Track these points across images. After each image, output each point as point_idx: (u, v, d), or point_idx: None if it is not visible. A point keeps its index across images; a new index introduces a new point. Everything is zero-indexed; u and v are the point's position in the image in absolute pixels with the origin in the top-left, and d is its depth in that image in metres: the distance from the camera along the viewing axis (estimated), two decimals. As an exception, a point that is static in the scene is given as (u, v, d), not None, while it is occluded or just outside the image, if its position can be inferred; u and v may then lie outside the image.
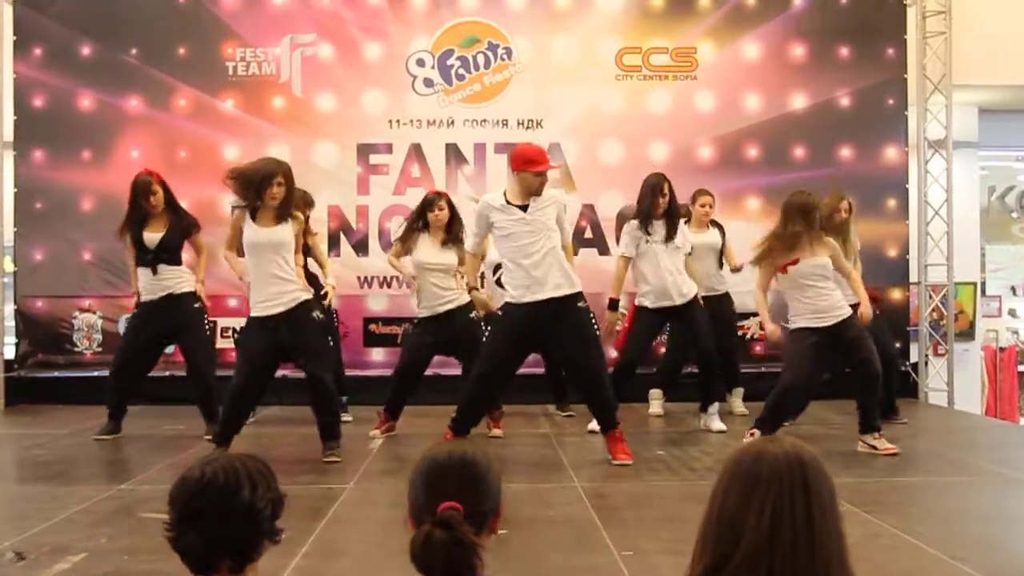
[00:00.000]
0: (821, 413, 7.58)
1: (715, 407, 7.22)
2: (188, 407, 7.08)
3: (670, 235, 6.96)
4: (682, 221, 7.17)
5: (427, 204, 6.99)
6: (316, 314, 6.06)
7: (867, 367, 6.19)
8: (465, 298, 6.90)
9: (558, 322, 5.89)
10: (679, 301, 6.99)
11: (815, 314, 6.20)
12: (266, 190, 5.72)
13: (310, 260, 6.62)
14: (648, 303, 7.10)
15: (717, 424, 7.13)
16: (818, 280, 6.20)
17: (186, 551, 1.89)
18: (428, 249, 6.91)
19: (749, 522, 1.67)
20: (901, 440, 6.35)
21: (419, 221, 6.98)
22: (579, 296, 5.98)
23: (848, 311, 6.26)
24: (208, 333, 7.16)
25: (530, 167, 5.89)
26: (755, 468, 1.71)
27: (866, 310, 6.37)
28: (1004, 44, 9.13)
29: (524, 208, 5.91)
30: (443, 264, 6.87)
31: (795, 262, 6.20)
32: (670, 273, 6.96)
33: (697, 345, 7.20)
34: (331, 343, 7.14)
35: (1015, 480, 5.71)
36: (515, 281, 5.98)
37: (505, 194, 6.04)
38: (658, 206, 6.95)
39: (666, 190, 6.97)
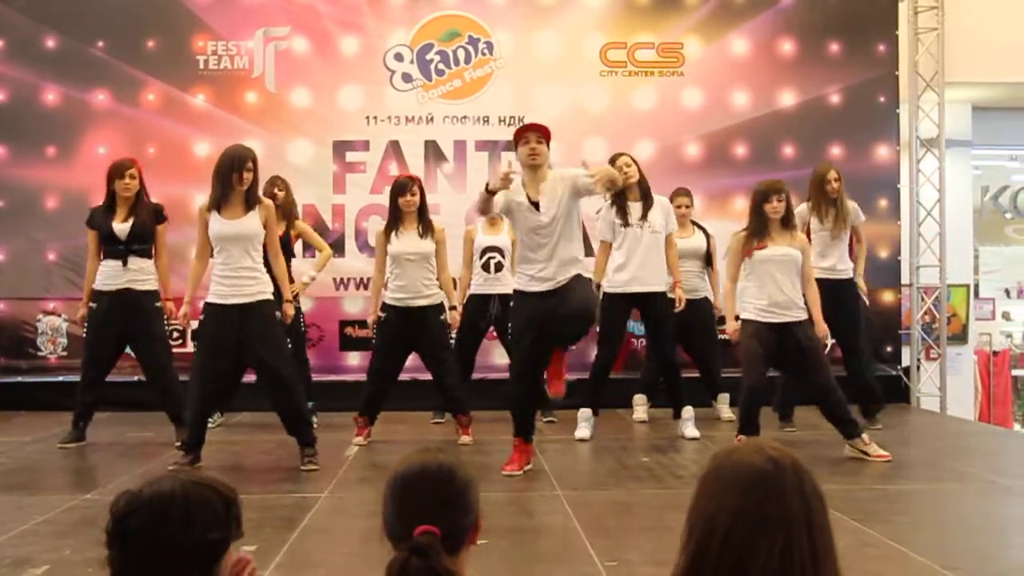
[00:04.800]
0: (811, 418, 7.46)
1: (689, 412, 6.99)
2: (155, 413, 6.93)
3: (644, 214, 6.76)
4: (666, 200, 7.03)
5: (399, 189, 6.74)
6: (278, 313, 5.96)
7: (820, 383, 6.06)
8: (440, 297, 6.72)
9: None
10: (645, 288, 6.74)
11: (765, 307, 6.09)
12: (235, 174, 5.64)
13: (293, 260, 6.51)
14: (614, 289, 6.84)
15: (691, 431, 6.90)
16: (780, 271, 6.07)
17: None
18: (405, 240, 6.68)
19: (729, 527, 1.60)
20: (892, 446, 6.24)
21: (394, 208, 6.74)
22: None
23: (803, 316, 6.12)
24: (167, 332, 6.93)
25: (517, 142, 5.68)
26: (730, 472, 1.65)
27: (820, 328, 6.27)
28: (998, 40, 9.02)
29: (536, 205, 5.57)
30: (421, 253, 6.67)
31: (762, 247, 6.07)
32: (642, 257, 6.74)
33: (655, 344, 7.08)
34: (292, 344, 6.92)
35: (1008, 488, 5.62)
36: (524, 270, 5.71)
37: (524, 182, 5.69)
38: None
39: (630, 164, 6.81)
